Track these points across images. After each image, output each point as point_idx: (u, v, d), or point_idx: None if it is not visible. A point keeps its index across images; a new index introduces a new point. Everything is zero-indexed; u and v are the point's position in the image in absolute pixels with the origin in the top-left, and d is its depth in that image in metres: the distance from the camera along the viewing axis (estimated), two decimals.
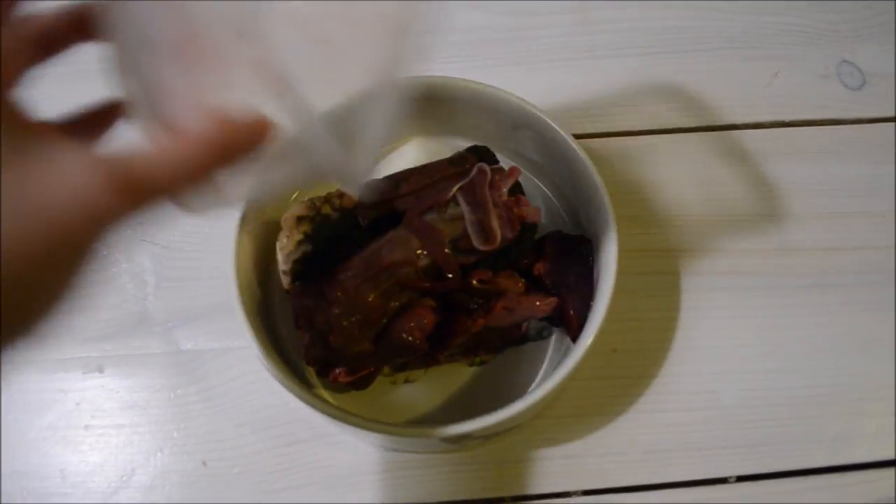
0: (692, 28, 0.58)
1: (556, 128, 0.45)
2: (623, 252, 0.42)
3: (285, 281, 0.43)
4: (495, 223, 0.41)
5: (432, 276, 0.41)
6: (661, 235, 0.51)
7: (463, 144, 0.47)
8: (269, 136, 0.22)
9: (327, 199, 0.44)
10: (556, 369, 0.41)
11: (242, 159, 0.22)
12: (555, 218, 0.49)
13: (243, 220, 0.43)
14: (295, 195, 0.47)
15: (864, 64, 0.56)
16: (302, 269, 0.42)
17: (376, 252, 0.41)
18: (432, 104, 0.48)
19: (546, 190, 0.50)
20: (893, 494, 0.45)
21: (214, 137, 0.21)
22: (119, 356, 0.48)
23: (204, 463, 0.45)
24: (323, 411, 0.39)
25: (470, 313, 0.42)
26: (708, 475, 0.45)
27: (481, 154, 0.45)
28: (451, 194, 0.42)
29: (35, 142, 0.20)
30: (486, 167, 0.43)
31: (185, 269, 0.50)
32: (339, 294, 0.40)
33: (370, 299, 0.40)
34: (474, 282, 0.42)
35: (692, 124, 0.54)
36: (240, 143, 0.22)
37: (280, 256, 0.43)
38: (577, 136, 0.45)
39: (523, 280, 0.43)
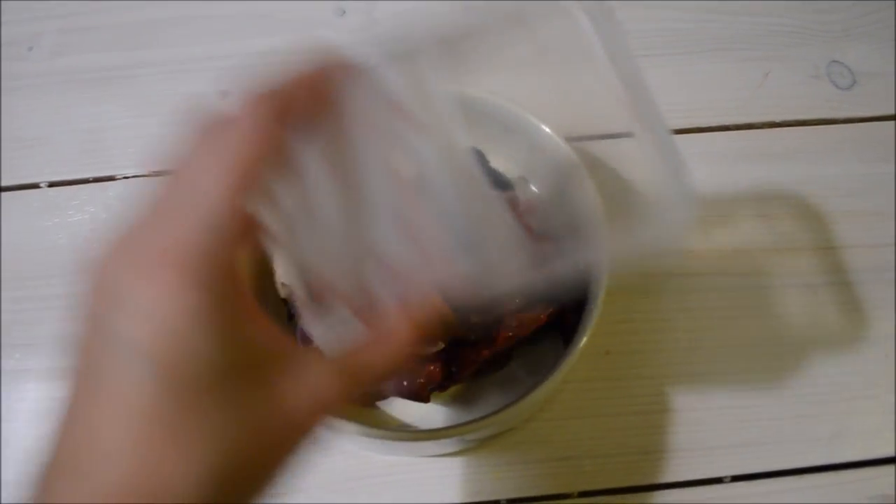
0: (681, 30, 0.58)
1: (548, 131, 0.45)
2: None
3: (283, 291, 0.43)
4: None
5: None
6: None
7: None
8: (447, 319, 0.26)
9: None
10: (550, 372, 0.41)
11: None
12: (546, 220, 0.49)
13: None
14: None
15: (854, 64, 0.56)
16: None
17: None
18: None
19: (537, 192, 0.50)
20: (892, 492, 0.45)
21: (414, 334, 0.25)
22: None
23: None
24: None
25: (473, 345, 0.42)
26: (703, 475, 0.45)
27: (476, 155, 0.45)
28: None
29: (286, 356, 0.23)
30: (512, 201, 0.43)
31: None
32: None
33: None
34: (473, 318, 0.41)
35: (683, 126, 0.55)
36: (430, 335, 0.25)
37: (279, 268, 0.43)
38: (569, 139, 0.45)
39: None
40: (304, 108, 0.23)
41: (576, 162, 0.44)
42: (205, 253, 0.21)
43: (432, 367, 0.41)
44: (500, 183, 0.46)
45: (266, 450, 0.22)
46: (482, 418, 0.39)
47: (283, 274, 0.30)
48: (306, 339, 0.41)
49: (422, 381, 0.41)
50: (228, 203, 0.21)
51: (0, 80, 0.58)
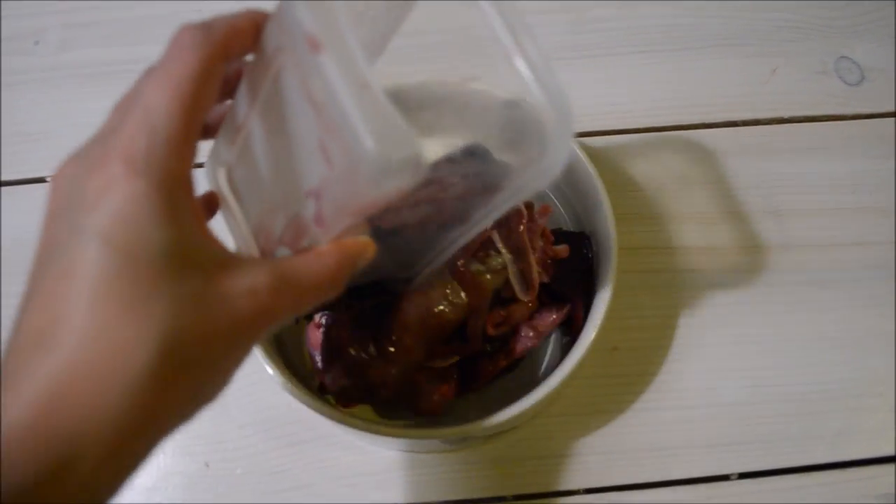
0: (689, 25, 0.58)
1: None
2: (622, 250, 0.43)
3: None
4: (535, 272, 0.42)
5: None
6: (659, 233, 0.51)
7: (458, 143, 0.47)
8: (372, 252, 0.28)
9: None
10: (556, 368, 0.41)
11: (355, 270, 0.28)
12: (553, 216, 0.49)
13: None
14: None
15: (862, 59, 0.56)
16: None
17: (429, 310, 0.40)
18: (426, 105, 0.48)
19: (545, 189, 0.50)
20: (894, 491, 0.44)
21: (341, 256, 0.27)
22: None
23: (206, 464, 0.45)
24: (327, 415, 0.39)
25: (491, 357, 0.43)
26: (710, 472, 0.45)
27: (477, 153, 0.45)
28: (486, 234, 0.41)
29: (226, 260, 0.25)
30: (521, 206, 0.42)
31: None
32: (393, 350, 0.40)
33: (418, 356, 0.41)
34: (491, 330, 0.41)
35: (690, 121, 0.54)
36: (358, 258, 0.27)
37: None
38: (575, 135, 0.45)
39: (534, 300, 0.43)
40: (232, 41, 0.26)
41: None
42: (149, 150, 0.23)
43: (446, 386, 0.42)
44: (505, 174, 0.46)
45: (210, 334, 0.23)
46: (491, 418, 0.39)
47: (234, 238, 0.31)
48: (330, 357, 0.41)
49: (436, 398, 0.42)
50: (167, 108, 0.23)
51: (3, 73, 0.57)
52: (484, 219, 0.31)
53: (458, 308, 0.41)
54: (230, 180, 0.31)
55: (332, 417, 0.39)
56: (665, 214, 0.51)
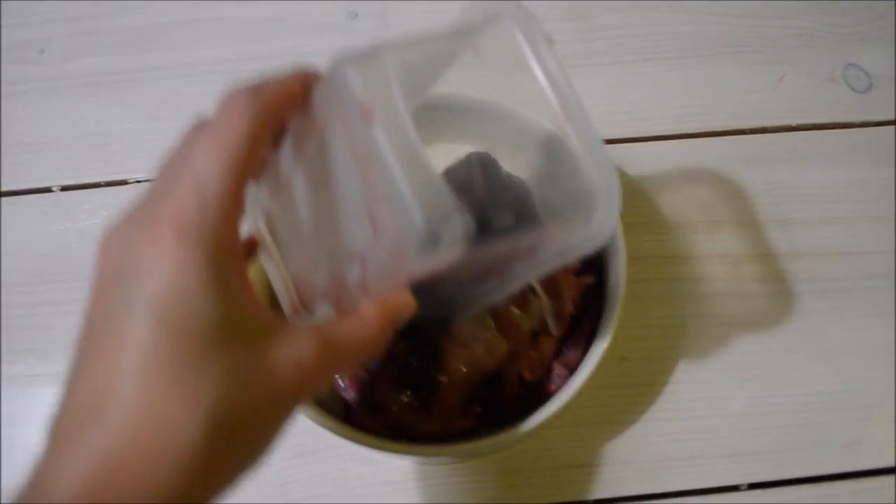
0: (697, 33, 0.58)
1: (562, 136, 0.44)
2: (631, 259, 0.42)
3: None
4: (568, 309, 0.42)
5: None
6: (667, 242, 0.51)
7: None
8: (412, 308, 0.28)
9: None
10: (567, 382, 0.41)
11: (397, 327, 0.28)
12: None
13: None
14: None
15: (871, 67, 0.56)
16: None
17: (475, 366, 0.40)
18: (433, 113, 0.48)
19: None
20: None
21: (384, 318, 0.27)
22: None
23: None
24: (339, 433, 0.39)
25: (524, 398, 0.42)
26: (719, 483, 0.45)
27: (482, 161, 0.45)
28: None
29: (272, 327, 0.25)
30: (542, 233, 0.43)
31: None
32: (438, 407, 0.39)
33: (460, 409, 0.41)
34: (528, 376, 0.41)
35: (698, 130, 0.54)
36: (400, 316, 0.28)
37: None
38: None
39: (556, 337, 0.42)
40: (282, 104, 0.26)
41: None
42: (200, 217, 0.23)
43: (467, 423, 0.42)
44: (510, 186, 0.45)
45: (257, 406, 0.23)
46: (502, 434, 0.39)
47: (276, 287, 0.31)
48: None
49: (457, 432, 0.41)
50: (218, 173, 0.24)
51: (4, 83, 0.57)
52: (524, 275, 0.32)
53: (499, 357, 0.41)
54: (270, 225, 0.31)
55: (343, 435, 0.38)
56: (672, 223, 0.51)
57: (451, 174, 0.43)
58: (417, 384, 0.39)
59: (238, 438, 0.23)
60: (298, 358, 0.24)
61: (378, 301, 0.27)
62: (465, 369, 0.39)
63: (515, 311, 0.41)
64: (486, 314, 0.40)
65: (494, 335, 0.40)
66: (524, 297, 0.41)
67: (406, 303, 0.28)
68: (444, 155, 0.46)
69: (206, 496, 0.23)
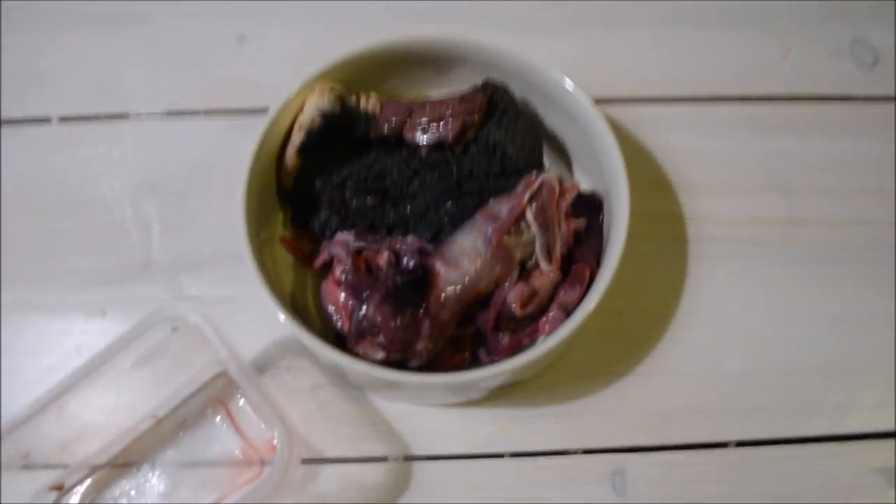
0: (705, 1, 0.58)
1: (573, 88, 0.44)
2: (633, 216, 0.42)
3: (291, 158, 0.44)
4: (559, 248, 0.42)
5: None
6: (671, 202, 0.51)
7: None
8: None
9: (358, 94, 0.46)
10: (562, 325, 0.41)
11: None
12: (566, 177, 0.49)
13: (252, 170, 0.43)
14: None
15: (878, 41, 0.56)
16: (310, 143, 0.44)
17: (465, 285, 0.40)
18: (446, 62, 0.48)
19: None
20: (892, 465, 0.45)
21: None
22: (122, 301, 0.48)
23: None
24: (338, 360, 0.38)
25: (514, 332, 0.42)
26: (708, 439, 0.45)
27: (495, 89, 0.45)
28: (522, 209, 0.42)
29: None
30: (554, 182, 0.43)
31: (191, 216, 0.50)
32: (430, 326, 0.39)
33: (453, 329, 0.41)
34: (519, 311, 0.41)
35: (705, 94, 0.54)
36: None
37: (299, 121, 0.44)
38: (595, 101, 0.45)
39: (557, 270, 0.43)
40: None
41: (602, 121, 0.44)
42: None
43: (459, 356, 0.43)
44: (513, 169, 0.46)
45: None
46: (491, 367, 0.39)
47: None
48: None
49: (450, 366, 0.42)
50: None
51: (6, 12, 0.57)
52: None
53: (490, 281, 0.41)
54: None
55: (341, 361, 0.38)
56: (676, 184, 0.51)
57: None
58: (408, 304, 0.39)
59: None
60: None
61: None
62: (454, 286, 0.40)
63: (507, 237, 0.41)
64: (480, 242, 0.41)
65: (485, 257, 0.41)
66: (516, 225, 0.41)
67: None
68: None
69: None
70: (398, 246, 0.43)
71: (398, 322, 0.38)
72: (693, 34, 0.56)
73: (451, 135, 0.44)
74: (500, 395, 0.45)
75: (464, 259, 0.40)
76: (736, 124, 0.53)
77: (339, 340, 0.42)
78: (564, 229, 0.43)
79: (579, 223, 0.44)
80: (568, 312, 0.41)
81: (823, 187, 0.52)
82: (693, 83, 0.55)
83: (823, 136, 0.53)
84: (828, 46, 0.56)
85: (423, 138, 0.44)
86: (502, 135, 0.44)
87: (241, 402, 0.44)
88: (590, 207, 0.45)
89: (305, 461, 0.44)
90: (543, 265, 0.42)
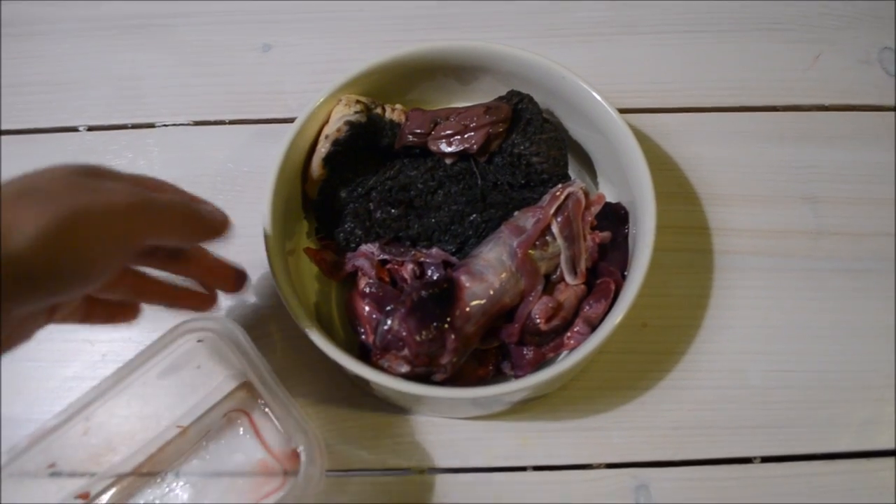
0: (734, 8, 0.57)
1: (600, 98, 0.44)
2: (658, 227, 0.42)
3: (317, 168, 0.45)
4: (584, 261, 0.42)
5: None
6: (696, 213, 0.50)
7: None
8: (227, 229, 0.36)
9: (384, 105, 0.46)
10: (586, 340, 0.41)
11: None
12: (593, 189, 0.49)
13: (278, 180, 0.43)
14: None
15: None
16: (336, 153, 0.44)
17: (490, 298, 0.40)
18: (470, 71, 0.48)
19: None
20: None
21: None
22: (148, 310, 0.48)
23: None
24: (360, 371, 0.39)
25: (539, 346, 0.42)
26: (733, 454, 0.45)
27: (520, 99, 0.45)
28: (548, 222, 0.42)
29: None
30: (580, 194, 0.43)
31: None
32: (455, 339, 0.39)
33: (477, 343, 0.41)
34: (543, 326, 0.41)
35: (731, 104, 0.54)
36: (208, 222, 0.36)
37: (325, 131, 0.45)
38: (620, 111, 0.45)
39: (582, 284, 0.43)
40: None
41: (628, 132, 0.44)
42: None
43: (483, 369, 0.43)
44: (539, 180, 0.45)
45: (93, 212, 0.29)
46: (516, 382, 0.39)
47: None
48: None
49: (473, 379, 0.42)
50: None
51: (35, 22, 0.57)
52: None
53: (515, 294, 0.41)
54: None
55: (365, 374, 0.38)
56: (701, 195, 0.51)
57: None
58: (433, 318, 0.39)
59: (80, 227, 0.28)
60: (123, 189, 0.31)
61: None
62: (480, 302, 0.39)
63: (532, 250, 0.41)
64: (505, 254, 0.40)
65: (511, 270, 0.40)
66: (542, 237, 0.41)
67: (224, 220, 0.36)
68: None
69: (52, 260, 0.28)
70: (422, 258, 0.43)
71: (423, 336, 0.38)
72: (718, 43, 0.56)
73: (475, 146, 0.44)
74: (523, 408, 0.45)
75: (489, 272, 0.40)
76: (762, 134, 0.53)
77: (363, 352, 0.42)
78: (590, 242, 0.43)
79: (605, 236, 0.44)
80: (593, 327, 0.41)
81: (851, 198, 0.51)
82: (719, 92, 0.54)
83: (851, 146, 0.53)
84: (856, 55, 0.56)
85: (447, 149, 0.44)
86: (527, 146, 0.44)
87: (266, 412, 0.44)
88: (615, 219, 0.45)
89: (329, 472, 0.44)
90: (569, 278, 0.41)
